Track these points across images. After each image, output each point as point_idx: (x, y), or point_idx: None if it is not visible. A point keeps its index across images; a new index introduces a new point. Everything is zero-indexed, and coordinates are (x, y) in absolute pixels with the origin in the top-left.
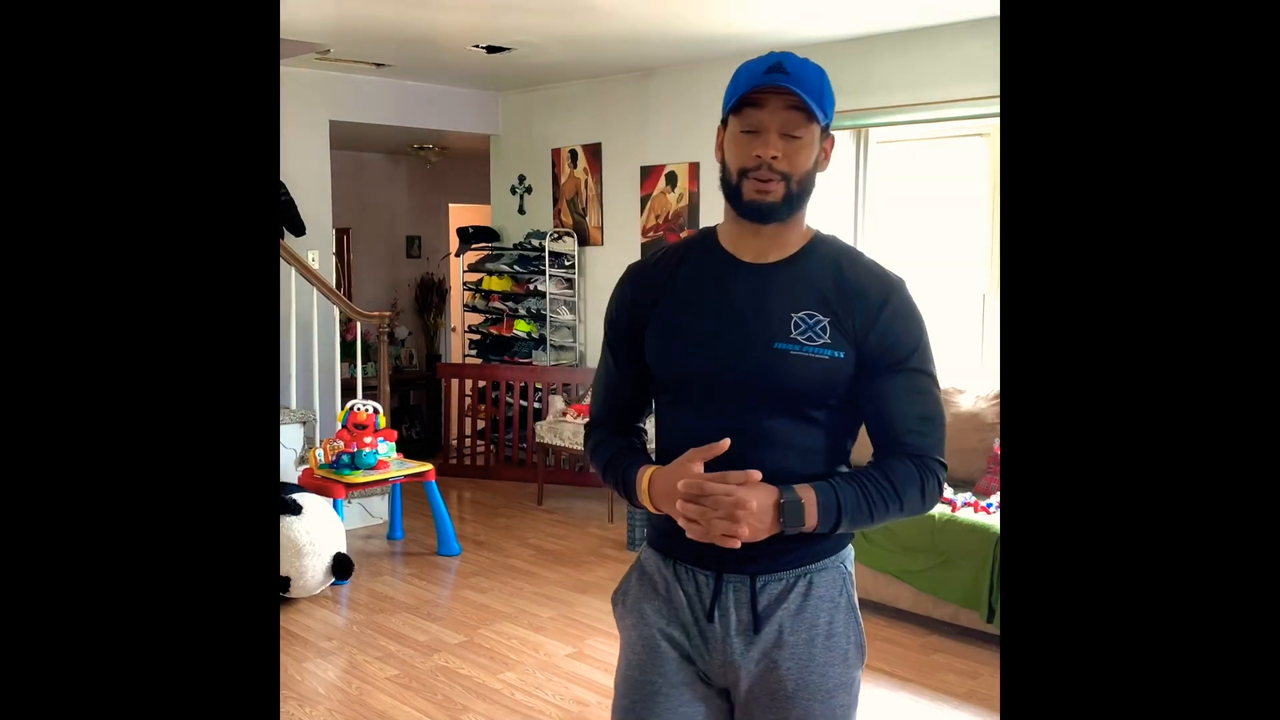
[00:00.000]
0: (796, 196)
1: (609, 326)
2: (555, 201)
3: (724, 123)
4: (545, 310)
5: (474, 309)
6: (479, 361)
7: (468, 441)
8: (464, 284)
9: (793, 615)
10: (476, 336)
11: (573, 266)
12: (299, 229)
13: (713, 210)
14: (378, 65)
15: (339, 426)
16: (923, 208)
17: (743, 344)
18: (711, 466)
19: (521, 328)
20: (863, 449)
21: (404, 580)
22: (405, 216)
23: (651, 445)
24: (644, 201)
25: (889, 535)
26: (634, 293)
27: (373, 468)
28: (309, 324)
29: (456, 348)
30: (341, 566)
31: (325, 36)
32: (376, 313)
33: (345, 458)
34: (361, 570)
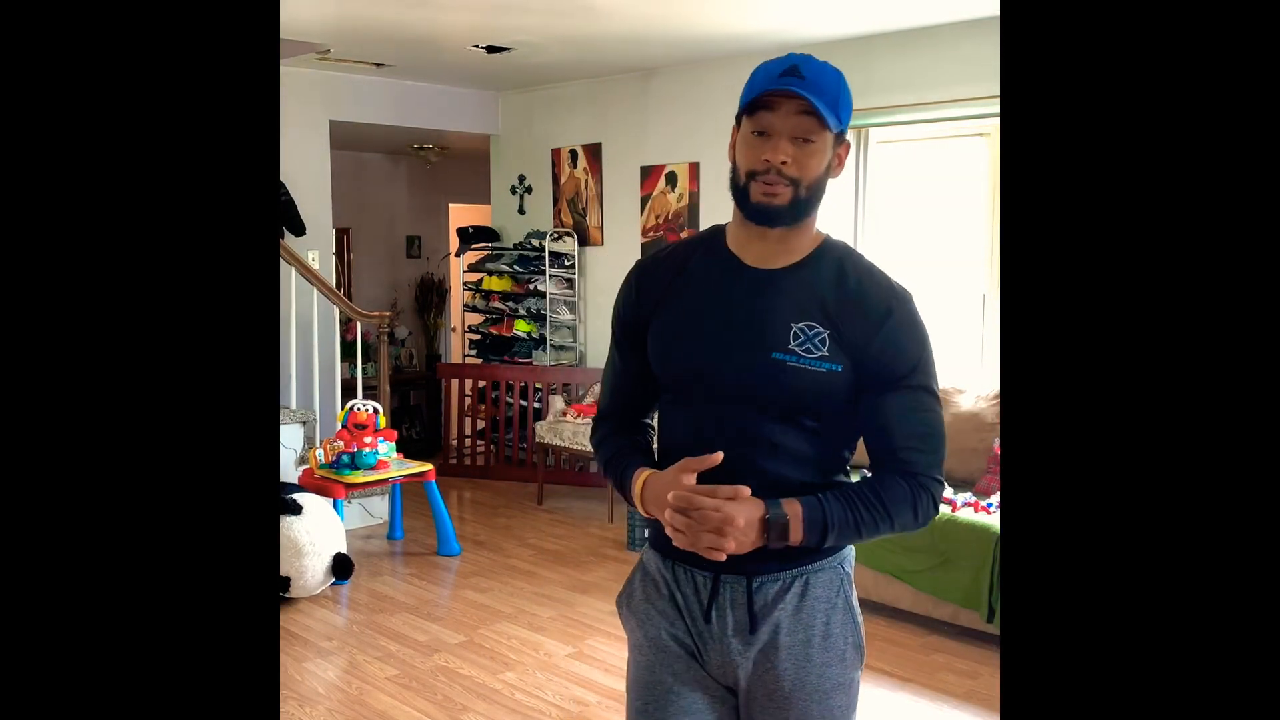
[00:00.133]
0: (805, 202)
1: (615, 323)
2: (555, 201)
3: (738, 122)
4: (545, 310)
5: (474, 309)
6: (479, 361)
7: (468, 441)
8: (464, 284)
9: (790, 616)
10: (476, 336)
11: (573, 266)
12: (299, 229)
13: (712, 211)
14: (378, 65)
15: (339, 426)
16: (923, 208)
17: (741, 351)
18: (708, 470)
19: (521, 328)
20: (864, 452)
21: (404, 580)
22: (405, 216)
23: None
24: (644, 201)
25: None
26: (639, 291)
27: (373, 468)
28: (309, 324)
29: (456, 348)
30: (341, 566)
31: (325, 36)
32: (376, 313)
33: (345, 458)
34: (361, 570)
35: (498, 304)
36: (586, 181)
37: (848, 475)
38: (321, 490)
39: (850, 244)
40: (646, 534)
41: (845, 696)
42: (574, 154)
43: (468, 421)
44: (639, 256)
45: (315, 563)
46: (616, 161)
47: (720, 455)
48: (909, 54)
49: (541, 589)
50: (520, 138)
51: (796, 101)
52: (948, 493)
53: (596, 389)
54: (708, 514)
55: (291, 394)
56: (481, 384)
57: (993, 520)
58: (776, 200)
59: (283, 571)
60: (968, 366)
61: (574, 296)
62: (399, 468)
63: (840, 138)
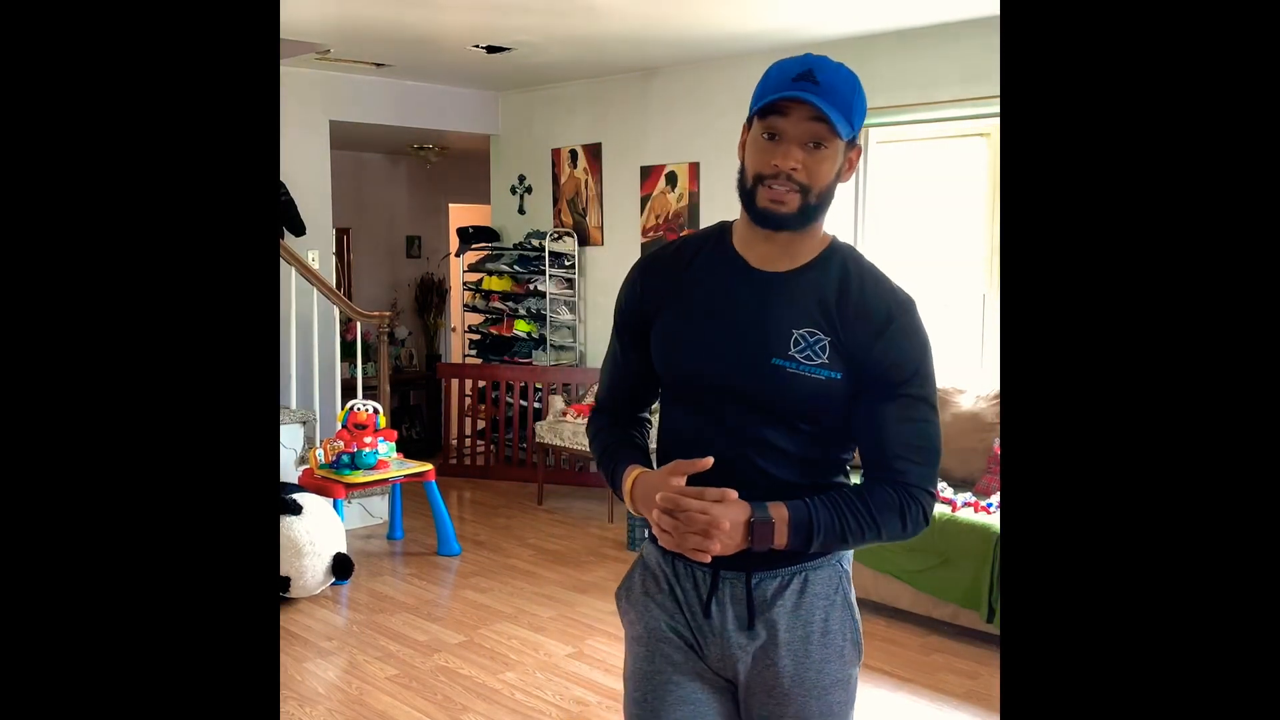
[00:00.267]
0: (814, 208)
1: (618, 315)
2: (555, 201)
3: (748, 122)
4: (545, 310)
5: (474, 309)
6: (479, 361)
7: (468, 441)
8: (464, 284)
9: (789, 612)
10: (476, 336)
11: (573, 266)
12: (299, 229)
13: (713, 211)
14: (378, 65)
15: (339, 426)
16: (923, 208)
17: (742, 355)
18: (700, 472)
19: (521, 328)
20: None
21: (404, 580)
22: (405, 216)
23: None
24: (644, 201)
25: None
26: (644, 286)
27: (373, 468)
28: (309, 324)
29: (456, 348)
30: (341, 566)
31: (325, 36)
32: (376, 313)
33: (345, 458)
34: (361, 570)
35: (498, 304)
36: (586, 181)
37: (847, 477)
38: (321, 490)
39: (861, 251)
40: (647, 533)
41: (844, 693)
42: (574, 154)
43: (468, 421)
44: (639, 256)
45: (315, 563)
46: (616, 161)
47: (710, 460)
48: (909, 54)
49: (541, 589)
50: (520, 138)
51: (809, 108)
52: (948, 493)
53: (596, 389)
54: (694, 516)
55: (291, 394)
56: (481, 384)
57: (993, 520)
58: (784, 207)
59: (283, 571)
60: (967, 366)
61: (574, 296)
62: (399, 468)
63: (852, 142)
